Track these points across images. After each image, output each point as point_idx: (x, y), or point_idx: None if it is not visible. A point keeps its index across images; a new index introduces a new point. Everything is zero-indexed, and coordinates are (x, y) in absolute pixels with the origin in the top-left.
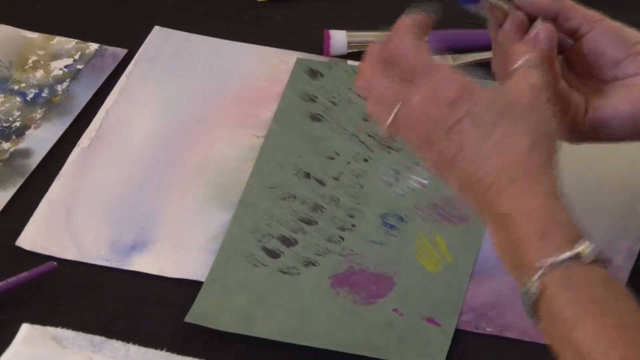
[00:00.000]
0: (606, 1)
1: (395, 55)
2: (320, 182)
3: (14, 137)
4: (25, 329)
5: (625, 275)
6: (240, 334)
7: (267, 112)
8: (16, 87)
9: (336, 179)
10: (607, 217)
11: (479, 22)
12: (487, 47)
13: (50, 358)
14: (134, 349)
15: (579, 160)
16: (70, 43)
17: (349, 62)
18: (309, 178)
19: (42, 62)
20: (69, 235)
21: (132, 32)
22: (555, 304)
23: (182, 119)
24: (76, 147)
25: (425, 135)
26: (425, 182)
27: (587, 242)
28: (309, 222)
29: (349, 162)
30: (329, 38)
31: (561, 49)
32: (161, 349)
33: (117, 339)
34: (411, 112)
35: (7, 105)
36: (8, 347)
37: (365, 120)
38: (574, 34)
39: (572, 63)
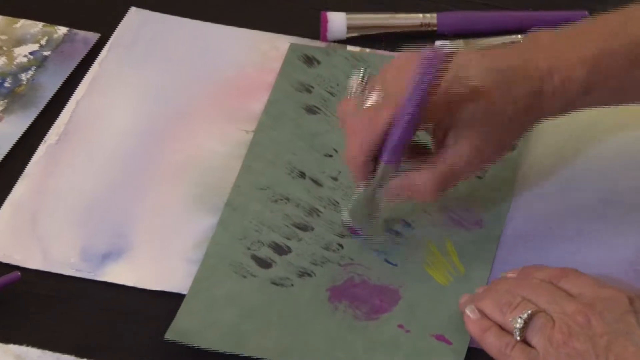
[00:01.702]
0: None
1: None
2: (317, 183)
3: None
4: None
5: None
6: (227, 353)
7: (257, 104)
8: None
9: (335, 179)
10: None
11: (494, 4)
12: (501, 31)
13: None
14: None
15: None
16: (36, 27)
17: (349, 47)
18: (304, 178)
19: (4, 49)
20: (35, 242)
21: (106, 15)
22: None
23: (162, 112)
24: (42, 143)
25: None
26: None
27: None
28: (304, 227)
29: None
30: (326, 21)
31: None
32: None
33: (89, 358)
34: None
35: None
36: None
37: None
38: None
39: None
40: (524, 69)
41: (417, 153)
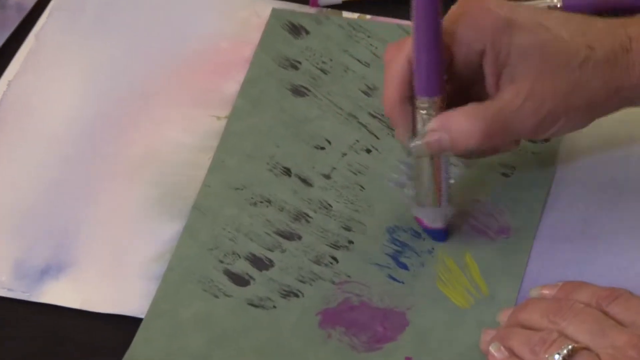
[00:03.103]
0: None
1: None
2: (305, 182)
3: None
4: None
5: None
6: None
7: (232, 84)
8: None
9: (327, 177)
10: None
11: None
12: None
13: None
14: None
15: None
16: None
17: (345, 14)
18: (290, 175)
19: None
20: None
21: None
22: None
23: (114, 94)
24: None
25: None
26: (452, 181)
27: None
28: (289, 236)
29: (344, 154)
30: None
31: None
32: None
33: None
34: None
35: None
36: None
37: (367, 94)
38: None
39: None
40: (607, 25)
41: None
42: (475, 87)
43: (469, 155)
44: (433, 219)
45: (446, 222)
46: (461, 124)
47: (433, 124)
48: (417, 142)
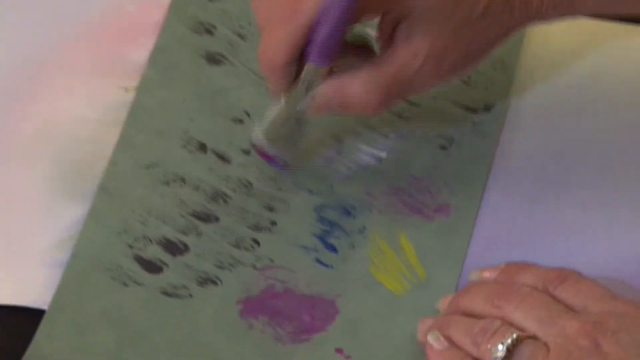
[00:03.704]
0: None
1: None
2: (223, 158)
3: None
4: None
5: None
6: None
7: (141, 52)
8: None
9: (247, 152)
10: None
11: None
12: None
13: None
14: None
15: None
16: None
17: None
18: (205, 152)
19: None
20: None
21: None
22: None
23: (7, 64)
24: None
25: None
26: (383, 155)
27: None
28: (206, 218)
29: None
30: None
31: None
32: None
33: None
34: None
35: None
36: None
37: None
38: None
39: None
40: None
41: (357, 53)
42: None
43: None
44: (268, 148)
45: (283, 157)
46: (357, 94)
47: (325, 89)
48: (303, 104)
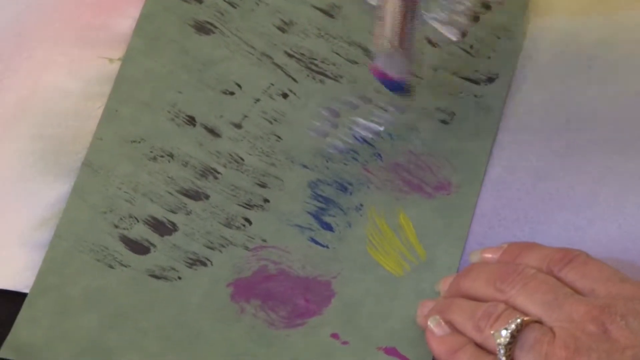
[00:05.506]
0: None
1: None
2: (213, 132)
3: None
4: None
5: None
6: None
7: (125, 21)
8: None
9: (238, 125)
10: None
11: None
12: None
13: None
14: None
15: None
16: None
17: None
18: (194, 125)
19: None
20: None
21: None
22: None
23: None
24: None
25: None
26: (381, 129)
27: None
28: (195, 196)
29: (257, 100)
30: None
31: None
32: None
33: None
34: None
35: None
36: None
37: (282, 30)
38: None
39: None
40: None
41: None
42: None
43: None
44: (392, 65)
45: (409, 71)
46: None
47: None
48: None
